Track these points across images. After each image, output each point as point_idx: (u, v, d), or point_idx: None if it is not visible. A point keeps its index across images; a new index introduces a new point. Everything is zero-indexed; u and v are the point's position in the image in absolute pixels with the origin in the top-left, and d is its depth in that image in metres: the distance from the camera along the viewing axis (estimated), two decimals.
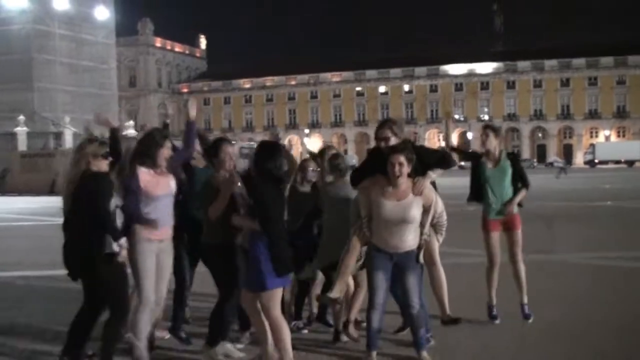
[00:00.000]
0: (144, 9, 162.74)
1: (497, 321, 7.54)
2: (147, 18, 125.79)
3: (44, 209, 27.70)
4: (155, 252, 6.24)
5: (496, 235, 7.60)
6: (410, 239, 6.16)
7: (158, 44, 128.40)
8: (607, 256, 12.44)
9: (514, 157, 7.68)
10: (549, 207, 23.68)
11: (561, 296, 9.11)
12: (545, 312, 7.93)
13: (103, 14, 72.32)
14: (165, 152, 6.29)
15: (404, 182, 6.12)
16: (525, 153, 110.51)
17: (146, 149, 6.26)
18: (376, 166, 6.37)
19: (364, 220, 6.23)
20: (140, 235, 6.12)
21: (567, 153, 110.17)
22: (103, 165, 6.06)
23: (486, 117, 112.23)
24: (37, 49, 64.98)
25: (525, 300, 7.64)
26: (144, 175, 6.19)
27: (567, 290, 9.56)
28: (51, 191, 42.00)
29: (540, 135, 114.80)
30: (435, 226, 6.38)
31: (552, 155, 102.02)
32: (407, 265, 6.19)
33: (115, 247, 5.86)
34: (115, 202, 5.98)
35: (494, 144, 7.51)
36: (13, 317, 8.46)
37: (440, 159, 6.71)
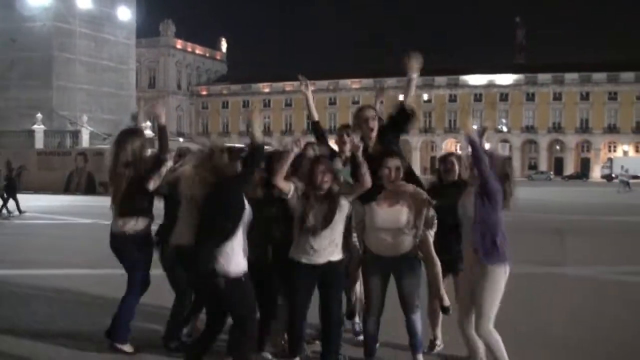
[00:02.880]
0: (166, 10, 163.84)
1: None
2: (169, 20, 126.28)
3: (57, 208, 27.81)
4: None
5: None
6: (405, 243, 6.09)
7: (179, 46, 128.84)
8: None
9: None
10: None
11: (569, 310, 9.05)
12: (549, 325, 7.87)
13: (125, 14, 72.62)
14: None
15: (397, 187, 6.06)
16: (543, 165, 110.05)
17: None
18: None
19: (357, 228, 6.21)
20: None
21: (585, 167, 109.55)
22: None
23: (504, 129, 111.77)
24: (57, 47, 65.21)
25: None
26: None
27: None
28: (66, 190, 42.32)
29: (558, 148, 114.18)
30: (426, 223, 6.24)
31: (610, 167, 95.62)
32: (405, 268, 6.13)
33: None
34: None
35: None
36: (16, 316, 8.46)
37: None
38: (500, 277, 5.64)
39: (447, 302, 6.63)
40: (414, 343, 6.27)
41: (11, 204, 24.70)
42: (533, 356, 6.90)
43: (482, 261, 5.60)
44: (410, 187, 6.14)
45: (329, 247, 5.95)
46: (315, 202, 5.90)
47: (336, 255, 6.02)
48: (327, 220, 5.88)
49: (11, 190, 25.02)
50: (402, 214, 6.01)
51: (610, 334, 7.91)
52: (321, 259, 5.94)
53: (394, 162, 6.03)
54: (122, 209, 6.81)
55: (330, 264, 5.98)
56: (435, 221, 6.39)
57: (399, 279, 6.17)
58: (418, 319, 6.23)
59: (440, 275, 6.51)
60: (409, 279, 6.14)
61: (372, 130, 6.58)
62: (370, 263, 6.16)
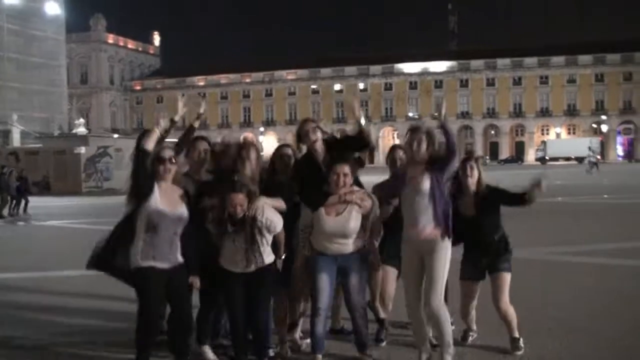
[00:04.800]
0: (96, 5, 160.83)
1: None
2: (99, 14, 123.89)
3: None
4: None
5: None
6: (353, 243, 6.11)
7: (110, 41, 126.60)
8: None
9: None
10: None
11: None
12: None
13: (53, 8, 70.92)
14: None
15: (345, 193, 6.06)
16: (479, 150, 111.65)
17: None
18: (313, 176, 6.31)
19: (306, 230, 6.17)
20: None
21: (519, 150, 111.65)
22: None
23: None
24: None
25: None
26: None
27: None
28: None
29: (493, 132, 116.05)
30: (373, 228, 6.33)
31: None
32: (351, 267, 6.10)
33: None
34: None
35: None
36: None
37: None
38: (449, 249, 5.94)
39: (382, 314, 6.78)
40: (359, 340, 6.22)
41: None
42: (488, 341, 6.90)
43: (438, 235, 5.85)
44: (358, 193, 6.16)
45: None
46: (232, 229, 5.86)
47: (266, 258, 5.99)
48: (251, 242, 5.86)
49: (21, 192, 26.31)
50: (350, 221, 6.03)
51: (552, 312, 8.02)
52: (252, 266, 5.93)
53: (342, 168, 6.03)
54: None
55: (259, 269, 5.95)
56: (382, 230, 6.52)
57: (345, 277, 6.13)
58: (363, 318, 6.19)
59: (379, 284, 6.67)
60: (355, 276, 6.12)
61: (314, 142, 6.54)
62: (317, 260, 6.09)
